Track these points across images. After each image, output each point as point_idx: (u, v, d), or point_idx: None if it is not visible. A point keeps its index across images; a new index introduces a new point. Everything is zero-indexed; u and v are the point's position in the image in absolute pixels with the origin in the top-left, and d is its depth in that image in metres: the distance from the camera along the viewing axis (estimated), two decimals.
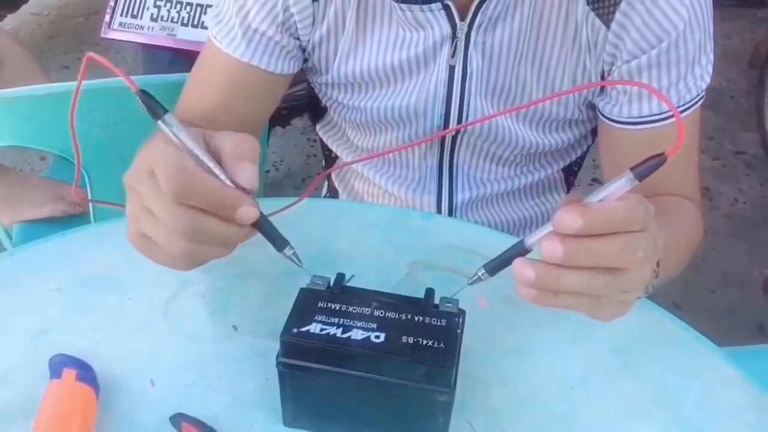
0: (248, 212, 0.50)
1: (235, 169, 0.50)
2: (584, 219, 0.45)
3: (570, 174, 0.93)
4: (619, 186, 0.46)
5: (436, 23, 0.72)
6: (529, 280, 0.47)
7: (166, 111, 0.48)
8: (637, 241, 0.47)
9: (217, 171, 0.50)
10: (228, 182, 0.50)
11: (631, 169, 0.46)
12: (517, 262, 0.48)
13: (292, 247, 0.53)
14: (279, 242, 0.53)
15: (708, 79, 0.73)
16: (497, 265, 0.51)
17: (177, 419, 0.52)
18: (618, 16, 0.68)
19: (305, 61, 0.79)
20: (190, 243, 0.49)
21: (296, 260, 0.54)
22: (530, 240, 0.49)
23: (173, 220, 0.48)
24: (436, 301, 0.52)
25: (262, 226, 0.52)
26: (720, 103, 2.51)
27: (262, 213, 0.51)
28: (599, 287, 0.47)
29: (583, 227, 0.45)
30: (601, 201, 0.47)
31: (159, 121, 0.48)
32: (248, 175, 0.49)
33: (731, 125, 2.44)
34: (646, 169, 0.45)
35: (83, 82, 0.49)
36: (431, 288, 0.53)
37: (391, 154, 0.87)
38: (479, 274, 0.52)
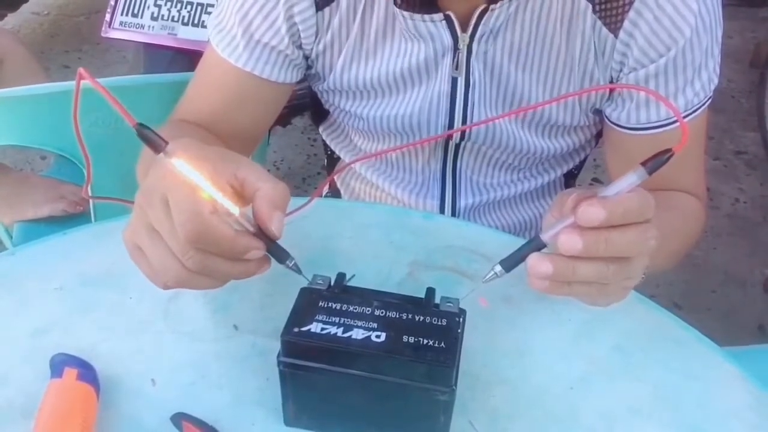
0: (256, 255, 0.51)
1: (269, 218, 0.50)
2: (606, 211, 0.47)
3: (570, 177, 0.93)
4: (631, 181, 0.48)
5: (438, 34, 0.72)
6: (546, 274, 0.49)
7: (166, 143, 0.47)
8: (650, 231, 0.50)
9: (226, 204, 0.48)
10: (235, 211, 0.49)
11: (642, 164, 0.48)
12: (533, 257, 0.50)
13: (292, 258, 0.53)
14: (280, 255, 0.53)
15: (716, 80, 0.73)
16: (514, 261, 0.53)
17: (178, 418, 0.52)
18: (626, 24, 0.68)
19: (308, 68, 0.79)
20: (188, 273, 0.49)
21: (297, 270, 0.54)
22: (546, 236, 0.51)
23: (185, 256, 0.48)
24: (437, 300, 0.52)
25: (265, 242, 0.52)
26: (721, 103, 2.50)
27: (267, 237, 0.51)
28: (609, 276, 0.50)
29: (606, 218, 0.47)
30: (616, 194, 0.49)
31: (162, 156, 0.47)
32: (279, 225, 0.50)
33: (732, 125, 2.44)
34: (655, 164, 0.47)
35: (83, 81, 0.48)
36: (432, 287, 0.53)
37: (394, 157, 0.87)
38: (496, 271, 0.53)
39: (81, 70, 0.47)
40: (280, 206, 0.50)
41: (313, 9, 0.72)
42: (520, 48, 0.72)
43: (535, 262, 0.50)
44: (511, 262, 0.53)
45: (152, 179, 0.50)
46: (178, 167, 0.46)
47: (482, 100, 0.76)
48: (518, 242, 0.54)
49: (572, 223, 0.49)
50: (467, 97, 0.76)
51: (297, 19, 0.72)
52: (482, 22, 0.70)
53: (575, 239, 0.48)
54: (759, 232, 2.04)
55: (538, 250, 0.51)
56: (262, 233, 0.51)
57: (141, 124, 0.46)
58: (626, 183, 0.48)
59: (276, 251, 0.52)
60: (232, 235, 0.49)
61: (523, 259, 0.52)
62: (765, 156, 2.29)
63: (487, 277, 0.53)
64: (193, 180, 0.47)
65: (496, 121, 0.77)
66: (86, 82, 0.47)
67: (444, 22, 0.70)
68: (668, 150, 0.47)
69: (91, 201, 1.09)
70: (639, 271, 0.52)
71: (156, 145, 0.46)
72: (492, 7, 0.68)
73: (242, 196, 0.51)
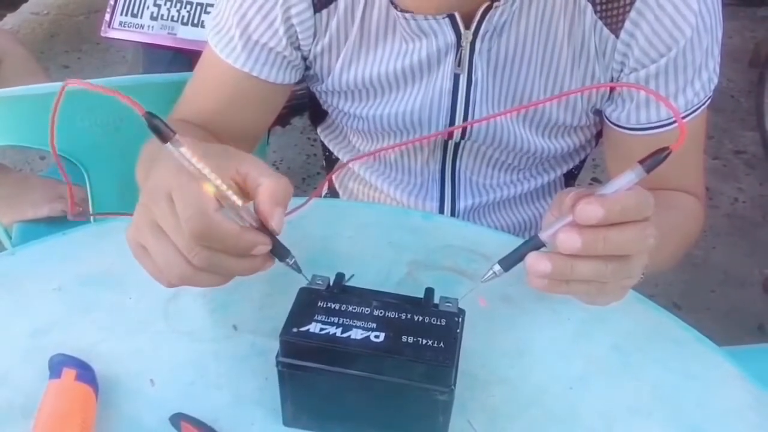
0: (262, 250, 0.51)
1: (270, 213, 0.50)
2: (604, 209, 0.47)
3: (570, 178, 0.93)
4: (629, 179, 0.48)
5: (441, 32, 0.71)
6: (545, 272, 0.50)
7: (174, 132, 0.47)
8: (649, 229, 0.50)
9: (231, 196, 0.49)
10: (239, 202, 0.49)
11: (640, 162, 0.48)
12: (532, 256, 0.50)
13: (293, 257, 0.54)
14: (281, 252, 0.53)
15: (716, 80, 0.73)
16: (513, 260, 0.53)
17: (177, 419, 0.52)
18: (627, 24, 0.68)
19: (306, 69, 0.79)
20: (193, 271, 0.49)
21: (297, 269, 0.54)
22: (545, 234, 0.51)
23: (192, 253, 0.48)
24: (436, 300, 0.52)
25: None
26: (720, 102, 2.50)
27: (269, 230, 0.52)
28: (608, 274, 0.50)
29: (603, 216, 0.47)
30: (614, 193, 0.49)
31: (168, 145, 0.47)
32: (279, 221, 0.50)
33: (731, 124, 2.44)
34: (653, 162, 0.47)
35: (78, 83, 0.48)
36: (431, 287, 0.53)
37: (392, 158, 0.87)
38: (494, 270, 0.53)
39: (68, 81, 0.46)
40: (281, 202, 0.51)
41: (311, 11, 0.72)
42: (524, 46, 0.72)
43: (533, 260, 0.50)
44: (509, 262, 0.53)
45: (156, 178, 0.50)
46: (185, 156, 0.47)
47: (484, 97, 0.76)
48: (517, 242, 0.54)
49: (571, 221, 0.49)
50: (469, 94, 0.75)
51: (295, 20, 0.72)
52: (486, 19, 0.70)
53: (574, 237, 0.48)
54: (758, 232, 2.04)
55: (537, 249, 0.52)
56: (264, 229, 0.51)
57: (150, 113, 0.46)
58: (624, 181, 0.48)
59: (277, 248, 0.53)
60: (237, 231, 0.49)
61: (521, 258, 0.52)
62: (764, 155, 2.29)
63: (486, 276, 0.54)
64: (198, 170, 0.47)
65: (498, 119, 0.77)
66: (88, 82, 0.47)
67: (447, 19, 0.70)
68: (666, 148, 0.47)
69: (90, 204, 1.09)
70: (638, 270, 0.52)
71: (164, 134, 0.46)
72: (496, 4, 0.68)
73: (245, 191, 0.51)
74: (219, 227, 0.48)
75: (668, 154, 0.47)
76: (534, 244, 0.52)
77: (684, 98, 0.72)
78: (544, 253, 0.50)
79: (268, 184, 0.50)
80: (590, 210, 0.47)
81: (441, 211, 0.89)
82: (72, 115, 0.98)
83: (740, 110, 2.52)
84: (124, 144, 1.02)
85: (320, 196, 1.03)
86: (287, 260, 0.53)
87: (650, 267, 0.54)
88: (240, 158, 0.52)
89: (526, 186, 0.89)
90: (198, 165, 0.47)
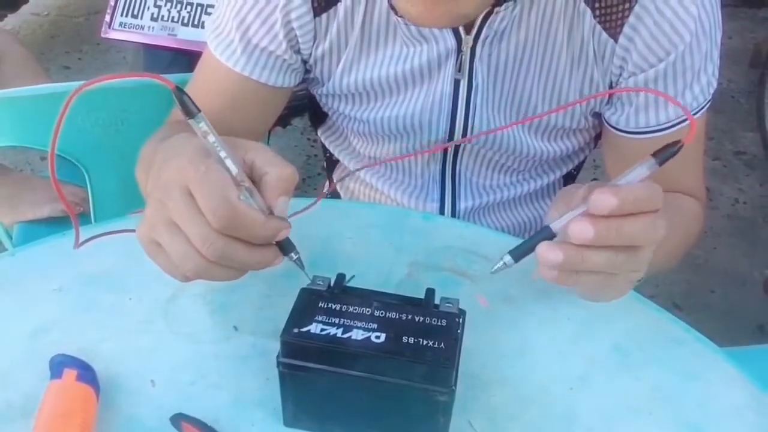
0: (284, 235, 0.51)
1: (274, 200, 0.50)
2: (618, 198, 0.48)
3: (569, 179, 0.93)
4: (641, 172, 0.49)
5: (441, 37, 0.71)
6: (556, 262, 0.50)
7: (199, 110, 0.48)
8: (660, 220, 0.50)
9: (245, 182, 0.50)
10: (253, 187, 0.50)
11: (653, 154, 0.48)
12: (543, 246, 0.51)
13: (297, 252, 0.54)
14: (287, 247, 0.53)
15: (715, 83, 0.73)
16: (523, 251, 0.53)
17: (177, 419, 0.52)
18: (626, 29, 0.68)
19: (307, 72, 0.79)
20: (207, 263, 0.49)
21: (300, 265, 0.54)
22: (557, 225, 0.52)
23: (206, 245, 0.48)
24: (437, 301, 0.52)
25: None
26: (720, 103, 2.51)
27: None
28: (618, 265, 0.51)
29: (617, 206, 0.48)
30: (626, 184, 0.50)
31: (191, 120, 0.48)
32: (284, 209, 0.51)
33: (732, 125, 2.45)
34: (666, 155, 0.48)
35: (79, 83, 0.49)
36: (432, 288, 0.53)
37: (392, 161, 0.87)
38: (505, 261, 0.53)
39: (85, 83, 0.47)
40: (284, 192, 0.51)
41: (311, 15, 0.72)
42: (524, 51, 0.72)
43: (545, 250, 0.50)
44: (519, 252, 0.53)
45: (169, 174, 0.50)
46: (209, 130, 0.48)
47: (484, 102, 0.76)
48: (517, 242, 0.54)
49: (582, 212, 0.50)
50: (469, 99, 0.75)
51: (294, 24, 0.72)
52: (486, 24, 0.70)
53: (587, 227, 0.49)
54: (759, 233, 2.04)
55: (548, 240, 0.52)
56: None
57: (179, 88, 0.48)
58: (637, 174, 0.49)
59: (282, 242, 0.53)
60: (263, 218, 0.49)
61: (532, 249, 0.52)
62: (764, 156, 2.29)
63: (496, 267, 0.54)
64: (218, 145, 0.48)
65: (496, 122, 0.77)
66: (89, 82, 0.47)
67: None
68: (677, 141, 0.48)
69: (90, 203, 1.10)
70: (646, 263, 0.53)
71: (189, 110, 0.48)
72: (496, 9, 0.68)
73: (252, 180, 0.51)
74: (246, 215, 0.48)
75: (680, 148, 0.48)
76: (545, 235, 0.52)
77: (683, 102, 0.72)
78: (556, 243, 0.50)
79: (271, 174, 0.51)
80: (604, 199, 0.48)
81: (441, 212, 0.89)
82: (73, 116, 0.98)
83: (740, 111, 2.52)
84: (125, 144, 1.02)
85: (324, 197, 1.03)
86: (291, 254, 0.54)
87: (651, 265, 0.55)
88: (245, 147, 0.52)
89: (525, 187, 0.89)
90: (218, 142, 0.49)
